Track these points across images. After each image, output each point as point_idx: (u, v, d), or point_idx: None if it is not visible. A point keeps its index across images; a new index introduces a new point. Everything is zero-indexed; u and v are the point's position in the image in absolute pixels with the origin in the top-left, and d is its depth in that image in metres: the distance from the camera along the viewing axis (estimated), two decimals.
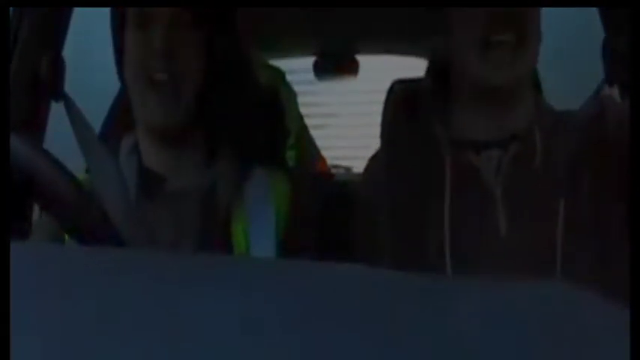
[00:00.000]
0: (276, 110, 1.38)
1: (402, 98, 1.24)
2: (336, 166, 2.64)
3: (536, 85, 1.11)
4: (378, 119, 1.29)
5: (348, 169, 2.67)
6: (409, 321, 0.34)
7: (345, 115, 3.40)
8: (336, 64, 2.46)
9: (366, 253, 1.04)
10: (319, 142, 2.41)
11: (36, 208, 1.08)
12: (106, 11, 1.10)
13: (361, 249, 1.06)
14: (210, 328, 0.33)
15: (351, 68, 2.47)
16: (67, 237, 0.91)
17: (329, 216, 1.13)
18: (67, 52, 1.23)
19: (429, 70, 1.20)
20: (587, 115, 1.03)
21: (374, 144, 1.22)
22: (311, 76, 2.50)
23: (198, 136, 1.06)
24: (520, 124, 1.02)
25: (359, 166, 2.64)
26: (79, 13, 1.26)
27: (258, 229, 1.00)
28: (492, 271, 0.92)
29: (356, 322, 0.34)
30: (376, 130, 1.28)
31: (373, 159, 1.17)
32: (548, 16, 1.04)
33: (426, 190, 1.02)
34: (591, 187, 0.98)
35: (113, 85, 1.24)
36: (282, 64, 1.96)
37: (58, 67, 1.19)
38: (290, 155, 1.76)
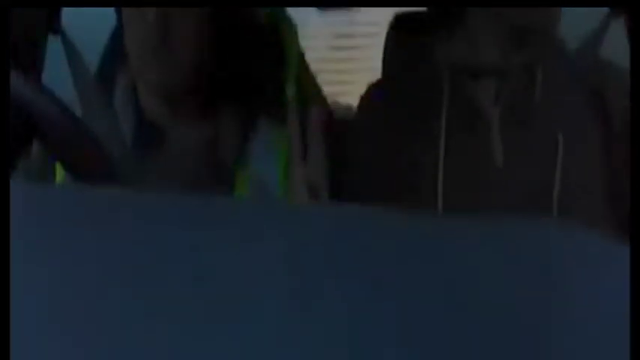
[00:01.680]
0: (275, 45, 1.36)
1: (404, 30, 1.22)
2: (336, 103, 2.62)
3: (551, 20, 1.08)
4: (380, 53, 1.27)
5: (348, 106, 2.65)
6: (403, 260, 0.34)
7: (346, 48, 3.35)
8: None
9: (360, 189, 1.04)
10: (320, 77, 2.38)
11: (35, 145, 1.07)
12: None
13: (356, 184, 1.06)
14: (211, 272, 0.33)
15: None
16: (63, 173, 0.91)
17: (332, 156, 1.13)
18: None
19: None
20: (590, 55, 1.01)
21: (374, 78, 1.21)
22: (311, 9, 2.45)
23: (199, 91, 1.04)
24: (525, 54, 1.00)
25: (353, 102, 2.62)
26: None
27: (262, 178, 0.99)
28: (488, 204, 0.92)
29: (352, 262, 0.34)
30: (378, 64, 1.27)
31: (371, 86, 1.15)
32: None
33: (422, 119, 1.01)
34: (591, 125, 0.97)
35: (109, 22, 1.22)
36: None
37: None
38: (290, 88, 1.74)
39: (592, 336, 0.31)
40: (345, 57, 3.32)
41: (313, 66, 2.29)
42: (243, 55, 1.12)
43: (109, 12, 1.10)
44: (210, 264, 0.34)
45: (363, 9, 2.46)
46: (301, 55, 1.97)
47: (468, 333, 0.30)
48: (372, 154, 1.05)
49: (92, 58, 1.20)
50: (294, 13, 1.76)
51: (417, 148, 1.00)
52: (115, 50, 1.61)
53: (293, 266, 0.33)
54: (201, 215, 0.40)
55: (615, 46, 1.11)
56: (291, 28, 1.78)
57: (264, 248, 0.35)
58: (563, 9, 1.01)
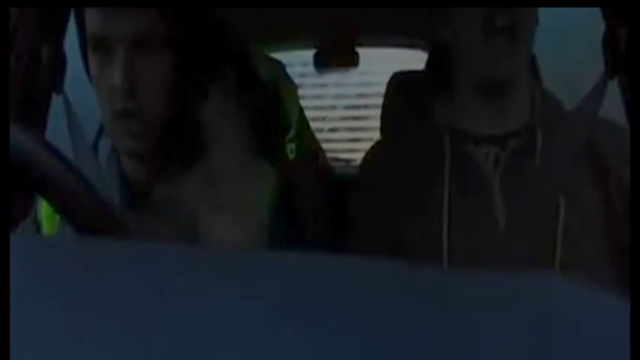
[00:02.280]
0: (276, 104, 1.38)
1: (402, 89, 1.24)
2: (336, 159, 2.65)
3: (537, 79, 1.11)
4: (378, 112, 1.29)
5: (348, 162, 2.68)
6: (405, 313, 0.34)
7: (344, 107, 3.40)
8: (336, 56, 2.46)
9: (364, 243, 1.04)
10: (319, 135, 2.41)
11: (36, 198, 1.08)
12: None
13: (358, 240, 1.06)
14: (206, 322, 0.33)
15: (352, 60, 2.47)
16: (65, 226, 0.91)
17: (329, 209, 1.14)
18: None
19: (429, 63, 1.20)
20: (588, 117, 1.02)
21: (374, 137, 1.22)
22: (311, 68, 2.50)
23: (178, 151, 0.99)
24: (520, 119, 1.02)
25: (359, 159, 2.65)
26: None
27: (248, 223, 0.99)
28: (490, 265, 0.92)
29: (352, 314, 0.34)
30: (376, 122, 1.29)
31: (373, 148, 1.17)
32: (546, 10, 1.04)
33: (424, 180, 1.02)
34: (591, 184, 0.98)
35: None
36: (282, 57, 1.95)
37: (58, 58, 1.19)
38: (290, 149, 1.76)
39: None
40: (343, 116, 3.37)
41: (313, 124, 2.33)
42: (242, 104, 1.12)
43: None
44: (199, 313, 0.33)
45: (360, 70, 2.50)
46: (301, 113, 2.00)
47: None
48: (374, 211, 1.05)
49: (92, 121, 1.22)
50: (294, 73, 1.79)
51: (420, 209, 1.01)
52: None
53: (287, 319, 0.33)
54: (193, 268, 0.40)
55: (612, 105, 1.13)
56: (290, 86, 1.81)
57: (258, 299, 0.35)
58: (558, 69, 1.03)
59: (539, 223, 0.96)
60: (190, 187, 1.00)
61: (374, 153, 1.16)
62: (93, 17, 0.90)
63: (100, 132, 1.60)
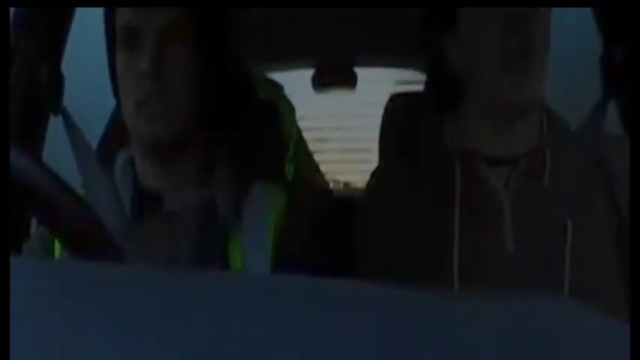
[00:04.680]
0: (274, 124, 1.38)
1: (400, 110, 1.23)
2: (334, 180, 2.65)
3: (544, 100, 1.10)
4: (376, 133, 1.29)
5: (346, 183, 2.68)
6: (412, 336, 0.34)
7: (343, 128, 3.40)
8: (334, 77, 2.47)
9: (369, 268, 1.03)
10: (317, 157, 2.41)
11: (34, 222, 1.07)
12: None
13: (365, 264, 1.05)
14: (208, 345, 0.32)
15: (350, 81, 2.48)
16: (63, 250, 0.91)
17: (327, 231, 1.13)
18: (65, 65, 1.23)
19: (428, 83, 1.20)
20: (594, 136, 1.02)
21: (372, 158, 1.22)
22: (309, 89, 2.50)
23: (194, 153, 1.04)
24: (530, 141, 1.02)
25: (356, 180, 2.65)
26: (76, 27, 1.27)
27: (253, 245, 0.99)
28: (500, 287, 0.91)
29: (357, 338, 0.33)
30: (374, 144, 1.28)
31: (378, 170, 1.16)
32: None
33: (435, 201, 1.01)
34: (602, 203, 0.98)
35: (111, 99, 1.24)
36: (280, 77, 1.96)
37: (56, 80, 1.19)
38: (288, 170, 1.76)
39: None
40: (343, 137, 3.38)
41: (311, 145, 2.33)
42: (240, 125, 1.13)
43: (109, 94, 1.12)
44: (204, 339, 0.33)
45: (359, 91, 2.51)
46: (299, 135, 2.01)
47: None
48: (383, 234, 1.04)
49: (92, 136, 1.22)
50: (292, 93, 1.80)
51: (430, 230, 1.00)
52: (115, 128, 1.64)
53: (288, 342, 0.33)
54: (195, 290, 0.40)
55: (615, 122, 1.13)
56: (288, 108, 1.81)
57: (259, 323, 0.34)
58: (560, 91, 1.03)
59: (548, 244, 0.95)
60: (204, 199, 1.01)
61: (380, 174, 1.15)
62: (126, 11, 0.99)
63: (103, 144, 1.60)
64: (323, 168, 2.56)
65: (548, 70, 0.99)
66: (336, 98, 2.65)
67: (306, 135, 2.31)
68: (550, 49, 0.99)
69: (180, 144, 1.01)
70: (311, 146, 2.42)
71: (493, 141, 1.02)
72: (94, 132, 1.25)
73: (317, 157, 2.48)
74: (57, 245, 0.97)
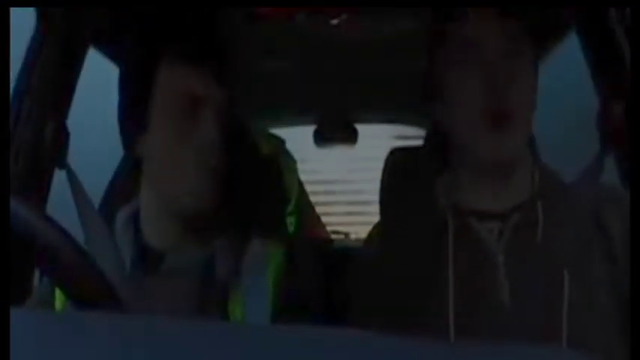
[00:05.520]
0: (276, 178, 1.40)
1: (400, 165, 1.25)
2: (335, 232, 2.65)
3: (536, 154, 1.12)
4: (376, 186, 1.30)
5: (347, 235, 2.68)
6: None
7: (344, 182, 3.42)
8: (335, 132, 2.50)
9: (367, 320, 1.03)
10: (318, 209, 2.41)
11: (36, 273, 1.07)
12: (109, 81, 1.12)
13: (362, 316, 1.05)
14: None
15: (350, 137, 2.51)
16: (66, 302, 0.91)
17: (328, 282, 1.13)
18: (71, 120, 1.25)
19: (427, 139, 1.22)
20: (588, 189, 1.03)
21: (372, 210, 1.22)
22: (311, 144, 2.53)
23: (200, 212, 1.03)
24: (521, 195, 1.03)
25: (357, 233, 2.65)
26: (82, 84, 1.29)
27: (253, 301, 0.99)
28: (494, 338, 0.91)
29: None
30: (374, 197, 1.29)
31: (377, 225, 1.17)
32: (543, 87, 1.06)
33: (428, 255, 1.02)
34: (596, 256, 0.98)
35: (115, 155, 1.26)
36: (283, 133, 1.99)
37: (61, 135, 1.20)
38: (290, 222, 1.77)
39: None
40: (345, 190, 3.39)
41: (313, 198, 2.34)
42: (244, 179, 1.14)
43: (113, 150, 1.14)
44: None
45: (359, 145, 2.54)
46: (301, 188, 2.02)
47: None
48: (379, 288, 1.05)
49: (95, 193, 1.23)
50: (294, 148, 1.82)
51: (424, 284, 1.00)
52: (117, 186, 1.65)
53: None
54: (197, 341, 0.40)
55: (612, 175, 1.14)
56: (290, 162, 1.83)
57: None
58: (556, 147, 1.04)
59: (543, 298, 0.95)
60: (205, 257, 1.01)
61: (377, 230, 1.16)
62: (182, 76, 0.99)
63: (106, 200, 1.61)
64: (324, 220, 2.56)
65: (532, 126, 1.01)
66: (337, 153, 2.68)
67: (308, 188, 2.32)
68: (534, 107, 1.01)
69: (197, 207, 1.01)
70: (313, 199, 2.43)
71: (484, 196, 1.03)
72: (97, 187, 1.26)
73: (318, 210, 2.49)
74: (60, 297, 0.97)
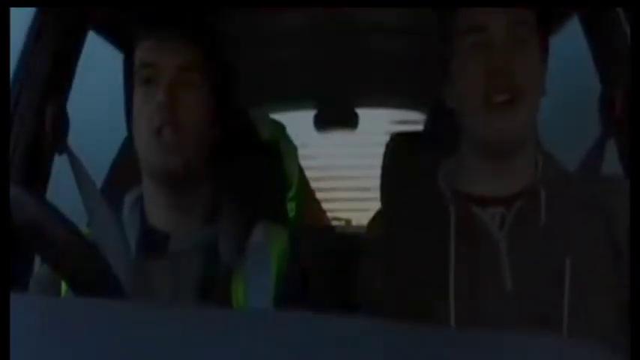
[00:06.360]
0: (276, 164, 1.39)
1: (401, 151, 1.25)
2: (336, 218, 2.65)
3: (538, 140, 1.12)
4: (378, 172, 1.30)
5: (347, 221, 2.68)
6: None
7: (344, 167, 3.42)
8: (336, 117, 2.49)
9: (369, 305, 1.03)
10: (319, 195, 2.41)
11: (37, 260, 1.07)
12: (110, 63, 1.12)
13: (364, 301, 1.05)
14: None
15: (351, 121, 2.50)
16: (67, 288, 0.91)
17: (329, 268, 1.13)
18: (71, 103, 1.25)
19: (428, 124, 1.22)
20: (589, 175, 1.03)
21: (373, 196, 1.22)
22: (312, 129, 2.52)
23: (201, 190, 1.06)
24: (524, 180, 1.02)
25: (359, 218, 2.65)
26: (83, 66, 1.28)
27: (256, 284, 1.00)
28: (498, 326, 0.91)
29: None
30: (375, 182, 1.29)
31: (379, 212, 1.17)
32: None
33: (430, 242, 1.01)
34: (597, 241, 0.98)
35: (116, 137, 1.25)
36: (283, 118, 1.98)
37: (61, 120, 1.20)
38: (290, 208, 1.77)
39: None
40: (344, 175, 3.39)
41: (313, 184, 2.34)
42: (245, 164, 1.14)
43: (116, 130, 1.14)
44: None
45: (360, 130, 2.53)
46: (301, 173, 2.02)
47: None
48: (381, 274, 1.05)
49: (97, 176, 1.22)
50: (294, 133, 1.82)
51: (427, 270, 1.00)
52: (122, 167, 1.65)
53: None
54: (199, 327, 0.40)
55: (614, 161, 1.14)
56: (290, 147, 1.83)
57: (262, 358, 0.34)
58: (558, 133, 1.04)
59: (545, 284, 0.95)
60: (209, 239, 1.02)
61: (380, 216, 1.16)
62: (145, 49, 1.05)
63: (109, 183, 1.61)
64: (325, 206, 2.56)
65: (538, 111, 1.01)
66: (338, 138, 2.67)
67: (309, 174, 2.32)
68: (540, 91, 1.01)
69: (191, 178, 1.03)
70: (313, 185, 2.43)
71: (486, 182, 1.03)
72: (99, 169, 1.26)
73: (319, 196, 2.49)
74: (61, 283, 0.97)
